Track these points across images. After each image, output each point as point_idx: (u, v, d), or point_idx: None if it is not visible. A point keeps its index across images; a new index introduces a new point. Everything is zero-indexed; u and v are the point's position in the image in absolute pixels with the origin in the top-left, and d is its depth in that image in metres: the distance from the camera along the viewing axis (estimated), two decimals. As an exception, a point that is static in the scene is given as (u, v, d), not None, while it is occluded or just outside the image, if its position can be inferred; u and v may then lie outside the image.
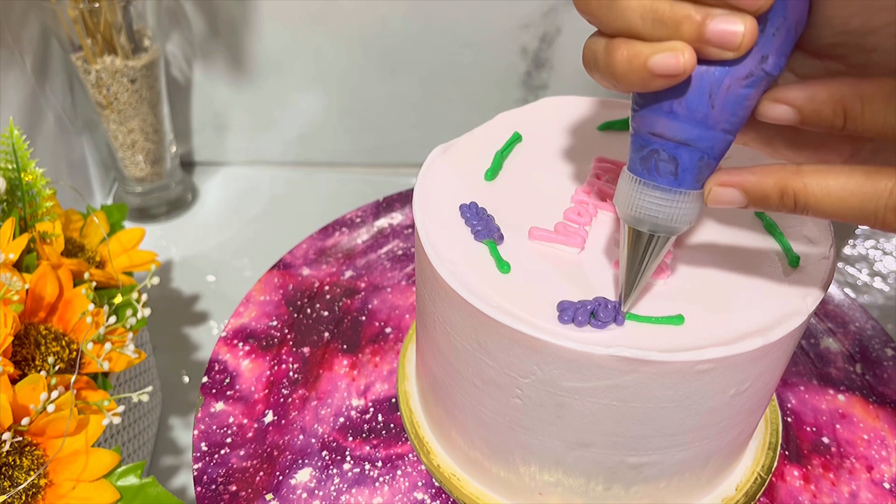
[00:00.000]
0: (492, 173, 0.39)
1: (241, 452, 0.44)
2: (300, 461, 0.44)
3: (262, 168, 0.82)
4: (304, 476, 0.43)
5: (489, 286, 0.33)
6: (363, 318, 0.52)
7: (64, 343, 0.42)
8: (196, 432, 0.45)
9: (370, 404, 0.47)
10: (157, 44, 0.65)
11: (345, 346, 0.50)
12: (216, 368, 0.49)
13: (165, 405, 0.58)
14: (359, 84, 0.75)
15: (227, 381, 0.48)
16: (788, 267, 0.35)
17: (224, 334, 0.51)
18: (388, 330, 0.51)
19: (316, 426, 0.45)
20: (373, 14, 0.70)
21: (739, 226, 0.37)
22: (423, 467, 0.43)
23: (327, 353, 0.50)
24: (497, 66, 0.74)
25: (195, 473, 0.43)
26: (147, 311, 0.46)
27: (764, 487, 0.42)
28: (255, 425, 0.46)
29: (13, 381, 0.38)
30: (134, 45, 0.64)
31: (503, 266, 0.34)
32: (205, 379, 0.48)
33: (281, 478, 0.43)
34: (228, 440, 0.45)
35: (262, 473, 0.43)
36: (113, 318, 0.44)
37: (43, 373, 0.39)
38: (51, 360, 0.40)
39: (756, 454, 0.43)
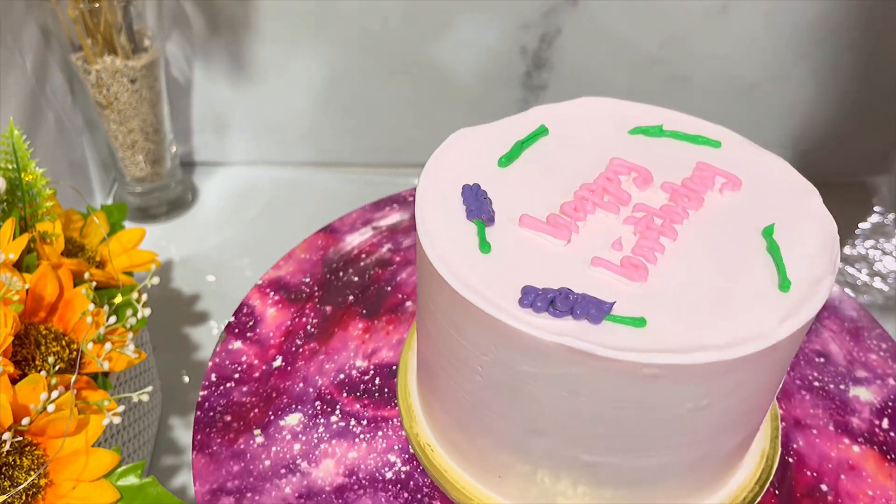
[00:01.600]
0: (506, 160, 0.40)
1: (244, 389, 0.47)
2: (293, 406, 0.46)
3: (262, 168, 0.82)
4: (293, 420, 0.45)
5: (466, 264, 0.34)
6: (389, 288, 0.54)
7: (64, 343, 0.42)
8: (211, 363, 0.48)
9: (372, 367, 0.49)
10: (157, 44, 0.65)
11: (364, 311, 0.52)
12: (244, 311, 0.52)
13: (165, 405, 0.58)
14: (359, 84, 0.75)
15: (251, 324, 0.51)
16: (778, 291, 0.34)
17: (260, 282, 0.54)
18: (408, 304, 0.53)
19: (317, 378, 0.48)
20: (373, 14, 0.70)
21: (742, 243, 0.36)
22: (403, 433, 0.45)
23: (346, 315, 0.52)
24: (497, 66, 0.74)
25: (199, 399, 0.46)
26: (147, 311, 0.46)
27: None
28: (264, 367, 0.48)
29: (13, 381, 0.38)
30: (134, 45, 0.64)
31: (484, 246, 0.35)
32: (231, 319, 0.51)
33: (273, 417, 0.45)
34: (236, 376, 0.48)
35: (256, 410, 0.46)
36: (113, 318, 0.44)
37: (43, 373, 0.39)
38: (51, 360, 0.40)
39: (737, 489, 0.42)
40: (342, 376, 0.48)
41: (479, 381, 0.36)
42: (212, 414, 0.46)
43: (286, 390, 0.47)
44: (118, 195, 0.75)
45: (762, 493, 0.42)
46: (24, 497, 0.37)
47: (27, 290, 0.41)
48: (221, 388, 0.47)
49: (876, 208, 0.77)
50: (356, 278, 0.55)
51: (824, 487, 0.43)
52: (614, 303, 0.32)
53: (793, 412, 0.46)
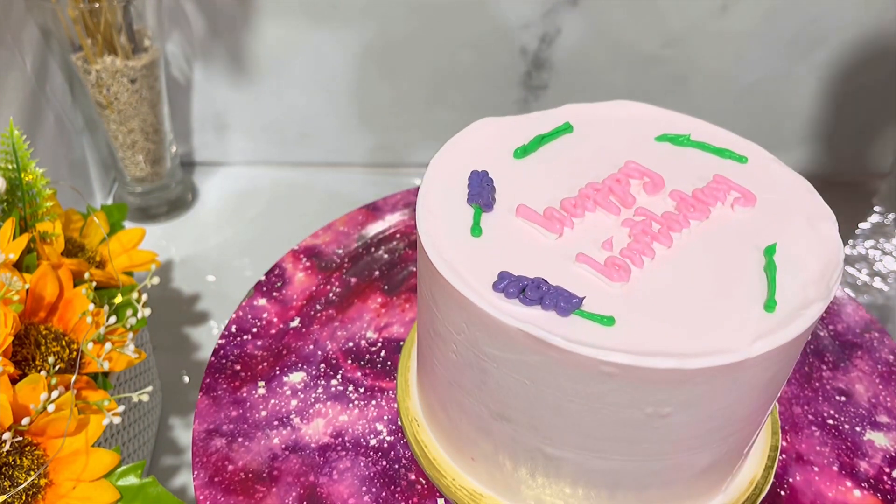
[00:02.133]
0: (522, 152, 0.40)
1: (259, 343, 0.50)
2: (300, 365, 0.49)
3: (262, 168, 0.82)
4: (296, 378, 0.48)
5: (453, 243, 0.35)
6: (413, 268, 0.55)
7: (64, 343, 0.42)
8: (234, 316, 0.51)
9: (381, 340, 0.50)
10: (157, 44, 0.65)
11: (386, 287, 0.54)
12: (276, 272, 0.55)
13: (165, 405, 0.58)
14: (359, 84, 0.75)
15: (279, 284, 0.54)
16: (763, 310, 0.33)
17: (296, 248, 0.57)
18: None
19: (327, 343, 0.50)
20: (373, 14, 0.70)
21: (739, 259, 0.35)
22: (395, 405, 0.46)
23: (368, 288, 0.54)
24: (497, 66, 0.74)
25: (216, 346, 0.49)
26: (147, 311, 0.46)
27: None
28: (281, 326, 0.51)
29: (13, 381, 0.38)
30: (134, 45, 0.64)
31: (476, 230, 0.36)
32: (262, 277, 0.54)
33: (278, 373, 0.48)
34: (254, 330, 0.51)
35: (265, 364, 0.49)
36: (113, 318, 0.44)
37: (43, 373, 0.39)
38: (51, 360, 0.40)
39: None
40: (351, 344, 0.50)
41: (454, 358, 0.37)
42: (224, 361, 0.49)
43: (296, 350, 0.49)
44: (118, 195, 0.75)
45: None
46: (24, 497, 0.37)
47: (27, 290, 0.41)
48: (238, 339, 0.50)
49: (876, 208, 0.77)
50: (386, 256, 0.57)
51: None
52: (584, 298, 0.32)
53: (797, 446, 0.45)
